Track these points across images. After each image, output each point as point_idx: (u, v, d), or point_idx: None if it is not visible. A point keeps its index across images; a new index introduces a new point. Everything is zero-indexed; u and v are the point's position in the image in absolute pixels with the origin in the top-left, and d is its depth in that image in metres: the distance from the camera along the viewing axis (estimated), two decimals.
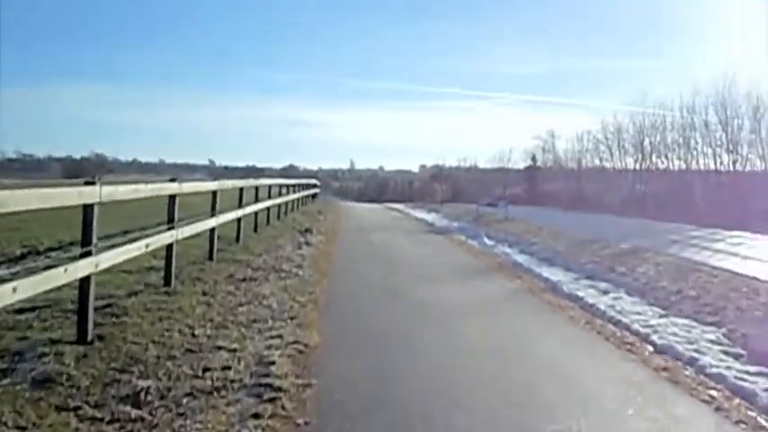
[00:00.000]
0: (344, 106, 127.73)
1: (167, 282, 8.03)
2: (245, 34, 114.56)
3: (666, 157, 41.14)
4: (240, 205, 13.19)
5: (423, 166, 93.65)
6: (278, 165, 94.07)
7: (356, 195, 77.74)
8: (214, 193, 10.74)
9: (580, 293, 9.75)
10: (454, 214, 29.40)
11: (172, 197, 8.05)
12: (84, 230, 5.48)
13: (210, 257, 10.52)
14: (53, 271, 4.83)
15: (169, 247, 8.03)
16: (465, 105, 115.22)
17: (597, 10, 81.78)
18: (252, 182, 15.17)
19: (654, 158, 42.28)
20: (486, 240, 18.06)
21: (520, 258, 13.84)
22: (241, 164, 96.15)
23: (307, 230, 17.10)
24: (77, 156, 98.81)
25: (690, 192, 36.20)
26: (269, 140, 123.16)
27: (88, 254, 5.43)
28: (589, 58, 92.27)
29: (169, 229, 7.97)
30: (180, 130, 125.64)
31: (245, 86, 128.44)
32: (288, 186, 23.42)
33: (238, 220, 13.04)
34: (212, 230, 10.57)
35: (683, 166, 39.57)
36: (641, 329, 7.48)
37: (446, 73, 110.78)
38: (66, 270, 4.95)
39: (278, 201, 19.38)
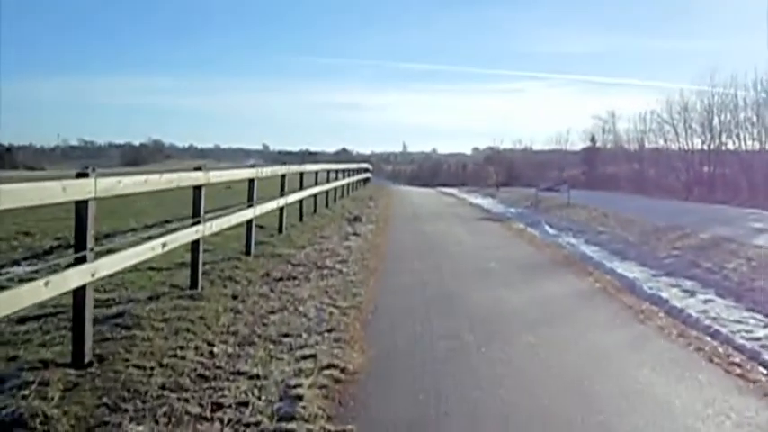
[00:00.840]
0: (397, 89, 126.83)
1: (194, 284, 7.13)
2: (296, 22, 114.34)
3: (738, 136, 38.56)
4: (282, 194, 12.27)
5: (476, 149, 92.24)
6: (331, 149, 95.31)
7: (409, 179, 76.74)
8: (251, 181, 9.81)
9: (663, 294, 8.48)
10: (511, 199, 28.06)
11: (197, 188, 7.12)
12: (78, 232, 4.56)
13: (248, 252, 9.62)
14: (27, 286, 3.90)
15: (195, 244, 7.12)
16: (517, 86, 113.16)
17: None
18: (294, 168, 14.21)
19: (724, 138, 39.72)
20: (547, 229, 16.77)
21: (587, 250, 12.56)
22: (294, 149, 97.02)
23: (355, 219, 16.13)
24: (136, 143, 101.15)
25: (765, 174, 33.80)
26: (322, 125, 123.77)
27: (83, 260, 4.52)
28: (644, 37, 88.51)
29: (194, 224, 7.05)
30: (235, 117, 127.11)
31: (299, 72, 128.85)
32: (336, 171, 22.47)
33: (280, 209, 12.13)
34: (249, 222, 9.67)
35: (757, 147, 36.99)
36: (747, 344, 6.21)
37: (497, 55, 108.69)
38: (47, 284, 4.01)
39: (325, 187, 18.43)
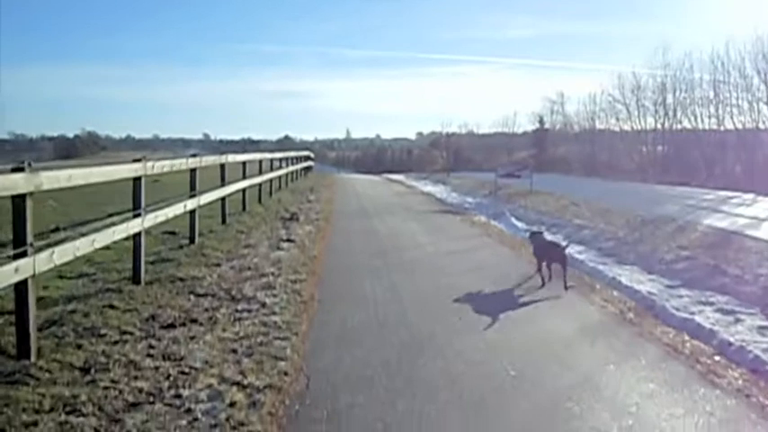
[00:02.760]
0: (339, 76, 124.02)
1: (23, 351, 4.50)
2: (236, 8, 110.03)
3: (694, 114, 37.29)
4: (193, 193, 9.61)
5: (420, 134, 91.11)
6: (274, 137, 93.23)
7: (353, 165, 74.93)
8: (136, 180, 7.11)
9: (702, 321, 6.24)
10: (465, 186, 25.84)
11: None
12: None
13: (136, 279, 6.97)
14: None
15: (20, 286, 4.48)
16: (461, 70, 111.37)
17: None
18: (210, 159, 11.53)
19: (679, 116, 38.44)
20: (515, 222, 14.55)
21: (573, 251, 10.30)
22: (237, 137, 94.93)
23: (292, 217, 13.55)
24: (70, 134, 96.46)
25: (723, 153, 32.55)
26: (264, 113, 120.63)
27: None
28: (588, 21, 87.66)
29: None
30: (174, 106, 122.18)
31: (239, 60, 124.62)
32: (272, 161, 19.73)
33: (191, 213, 9.49)
34: (136, 236, 7.02)
35: (715, 124, 35.78)
36: None
37: (440, 40, 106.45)
38: None
39: (256, 180, 15.75)
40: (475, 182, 27.68)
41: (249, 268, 8.08)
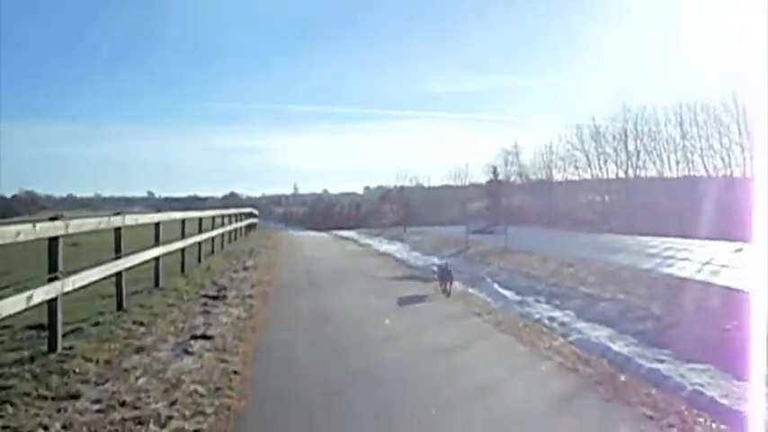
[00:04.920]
0: (287, 131, 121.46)
1: None
2: (181, 65, 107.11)
3: (661, 158, 35.60)
4: (53, 272, 6.36)
5: (367, 188, 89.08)
6: (220, 193, 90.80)
7: (301, 221, 72.13)
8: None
9: None
10: (427, 244, 22.91)
11: None
12: None
13: None
14: None
15: None
16: (408, 125, 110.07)
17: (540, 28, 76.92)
18: (103, 221, 8.29)
19: (643, 162, 36.74)
20: (500, 290, 11.67)
21: (611, 342, 7.40)
22: (182, 194, 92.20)
23: (218, 295, 10.38)
24: (9, 195, 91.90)
25: (692, 199, 30.62)
26: (211, 169, 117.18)
27: None
28: (537, 75, 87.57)
29: None
30: (118, 164, 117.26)
31: (185, 117, 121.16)
32: (201, 220, 16.48)
33: (49, 302, 6.25)
34: None
35: (683, 170, 34.07)
36: None
37: (385, 95, 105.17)
38: None
39: (175, 246, 12.50)
40: (436, 238, 24.81)
41: (124, 404, 4.88)
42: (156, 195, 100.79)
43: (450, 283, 11.02)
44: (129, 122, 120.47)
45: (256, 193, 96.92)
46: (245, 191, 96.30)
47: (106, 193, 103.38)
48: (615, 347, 7.16)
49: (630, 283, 10.80)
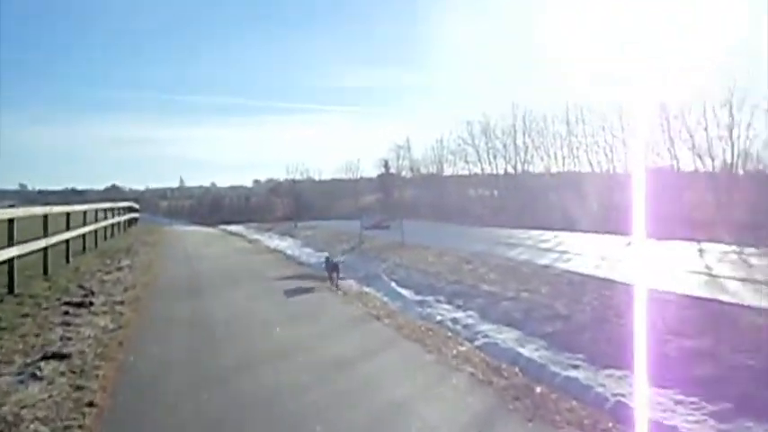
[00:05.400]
0: (172, 123, 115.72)
1: None
2: (59, 47, 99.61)
3: (548, 155, 36.44)
4: None
5: (257, 181, 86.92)
6: (101, 186, 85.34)
7: (188, 215, 69.39)
8: None
9: None
10: (319, 239, 22.05)
11: None
12: None
13: None
14: None
15: None
16: (298, 118, 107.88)
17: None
18: None
19: (531, 157, 37.51)
20: (397, 289, 11.07)
21: (525, 350, 6.87)
22: (58, 187, 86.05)
23: (83, 301, 9.09)
24: None
25: (581, 195, 31.44)
26: (91, 161, 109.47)
27: None
28: (418, 72, 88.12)
29: None
30: None
31: (63, 104, 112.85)
32: (68, 215, 14.81)
33: None
34: None
35: (571, 165, 34.98)
36: None
37: (275, 88, 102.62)
38: None
39: (30, 247, 10.99)
40: (328, 233, 24.01)
41: None
42: (30, 188, 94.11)
43: (338, 276, 11.59)
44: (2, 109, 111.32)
45: (140, 186, 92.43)
46: (127, 183, 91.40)
47: None
48: (526, 353, 6.63)
49: (532, 280, 10.43)
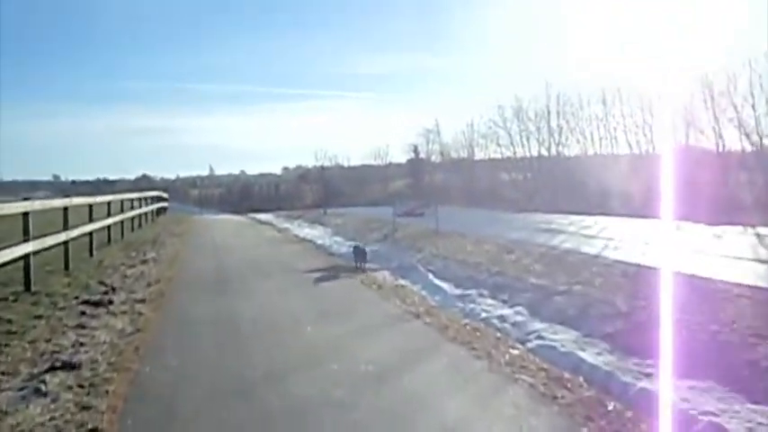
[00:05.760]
0: (201, 111, 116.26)
1: None
2: (92, 42, 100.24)
3: (584, 137, 35.27)
4: None
5: (286, 168, 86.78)
6: (131, 176, 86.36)
7: (218, 203, 69.61)
8: None
9: None
10: (349, 227, 21.40)
11: None
12: None
13: None
14: None
15: None
16: (326, 105, 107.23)
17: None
18: None
19: (566, 140, 36.36)
20: (435, 281, 10.35)
21: (584, 354, 6.11)
22: (91, 177, 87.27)
23: (102, 299, 8.52)
24: None
25: (620, 177, 30.27)
26: (122, 151, 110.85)
27: None
28: (446, 56, 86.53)
29: None
30: (21, 146, 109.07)
31: (91, 96, 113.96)
32: (91, 207, 14.31)
33: None
34: None
35: (608, 147, 33.79)
36: None
37: (302, 75, 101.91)
38: None
39: (48, 242, 10.48)
40: (359, 221, 23.34)
41: None
42: (63, 178, 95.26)
43: (364, 262, 11.98)
44: (31, 102, 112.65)
45: (170, 175, 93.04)
46: (158, 173, 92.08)
47: (8, 177, 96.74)
48: (588, 358, 5.87)
49: (582, 272, 9.61)
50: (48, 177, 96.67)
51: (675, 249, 12.17)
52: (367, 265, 12.15)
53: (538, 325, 7.24)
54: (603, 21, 44.88)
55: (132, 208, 21.29)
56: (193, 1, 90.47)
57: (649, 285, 8.26)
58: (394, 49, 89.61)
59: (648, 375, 5.43)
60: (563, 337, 6.71)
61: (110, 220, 16.26)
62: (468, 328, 7.16)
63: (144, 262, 12.87)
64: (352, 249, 12.79)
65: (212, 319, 7.71)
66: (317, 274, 11.42)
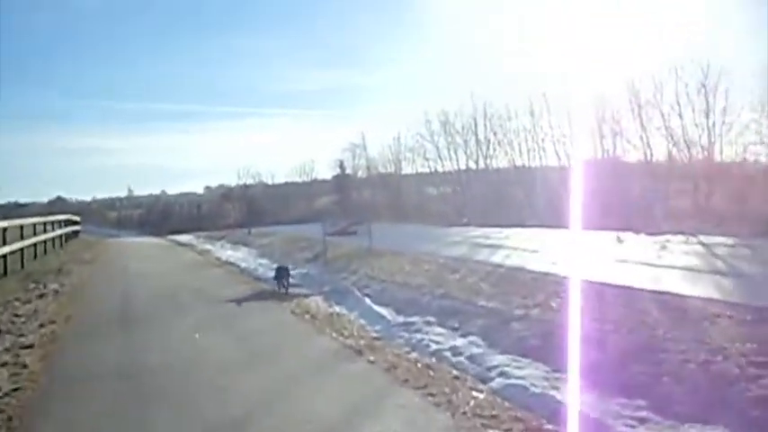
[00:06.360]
0: (116, 131, 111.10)
1: None
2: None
3: (512, 149, 35.13)
4: None
5: (208, 188, 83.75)
6: (44, 198, 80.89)
7: (137, 225, 66.76)
8: None
9: None
10: (276, 248, 20.15)
11: None
12: None
13: None
14: None
15: None
16: (249, 123, 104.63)
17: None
18: None
19: (494, 152, 36.17)
20: (374, 307, 9.35)
21: (558, 395, 5.20)
22: (2, 201, 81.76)
23: None
24: None
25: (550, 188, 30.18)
26: (34, 172, 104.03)
27: None
28: (371, 72, 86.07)
29: None
30: None
31: (9, 115, 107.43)
32: None
33: None
34: None
35: (538, 160, 33.75)
36: None
37: (223, 92, 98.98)
38: None
39: None
40: (286, 240, 22.07)
41: None
42: None
43: (288, 282, 11.49)
44: None
45: (86, 197, 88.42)
46: (73, 195, 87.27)
47: None
48: (568, 401, 4.96)
49: (535, 292, 8.78)
50: None
51: (629, 264, 11.59)
52: (297, 290, 11.10)
53: (499, 358, 6.30)
54: (531, 30, 45.14)
55: (35, 234, 19.38)
56: (105, 18, 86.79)
57: (616, 306, 7.51)
58: (319, 66, 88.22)
59: (643, 421, 4.56)
60: (530, 373, 5.79)
61: (5, 249, 14.51)
62: (418, 365, 6.17)
63: (41, 296, 11.31)
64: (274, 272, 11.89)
65: (114, 371, 6.39)
66: (243, 305, 10.21)
